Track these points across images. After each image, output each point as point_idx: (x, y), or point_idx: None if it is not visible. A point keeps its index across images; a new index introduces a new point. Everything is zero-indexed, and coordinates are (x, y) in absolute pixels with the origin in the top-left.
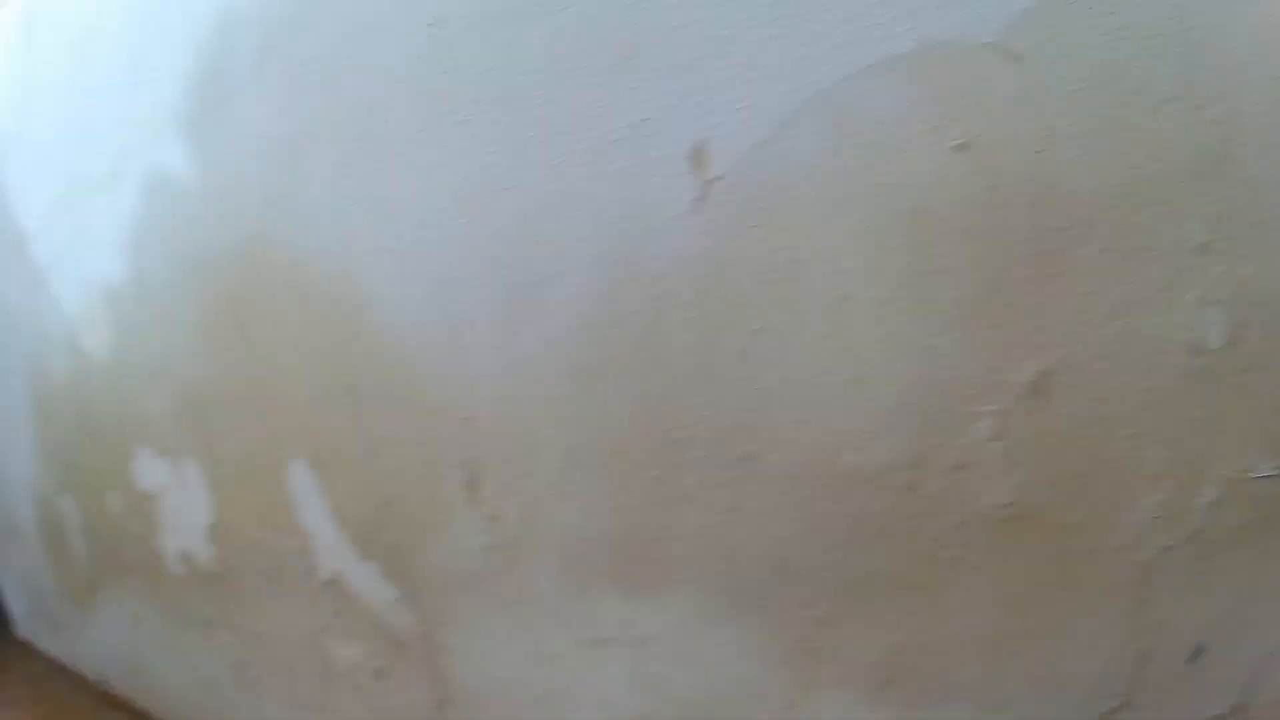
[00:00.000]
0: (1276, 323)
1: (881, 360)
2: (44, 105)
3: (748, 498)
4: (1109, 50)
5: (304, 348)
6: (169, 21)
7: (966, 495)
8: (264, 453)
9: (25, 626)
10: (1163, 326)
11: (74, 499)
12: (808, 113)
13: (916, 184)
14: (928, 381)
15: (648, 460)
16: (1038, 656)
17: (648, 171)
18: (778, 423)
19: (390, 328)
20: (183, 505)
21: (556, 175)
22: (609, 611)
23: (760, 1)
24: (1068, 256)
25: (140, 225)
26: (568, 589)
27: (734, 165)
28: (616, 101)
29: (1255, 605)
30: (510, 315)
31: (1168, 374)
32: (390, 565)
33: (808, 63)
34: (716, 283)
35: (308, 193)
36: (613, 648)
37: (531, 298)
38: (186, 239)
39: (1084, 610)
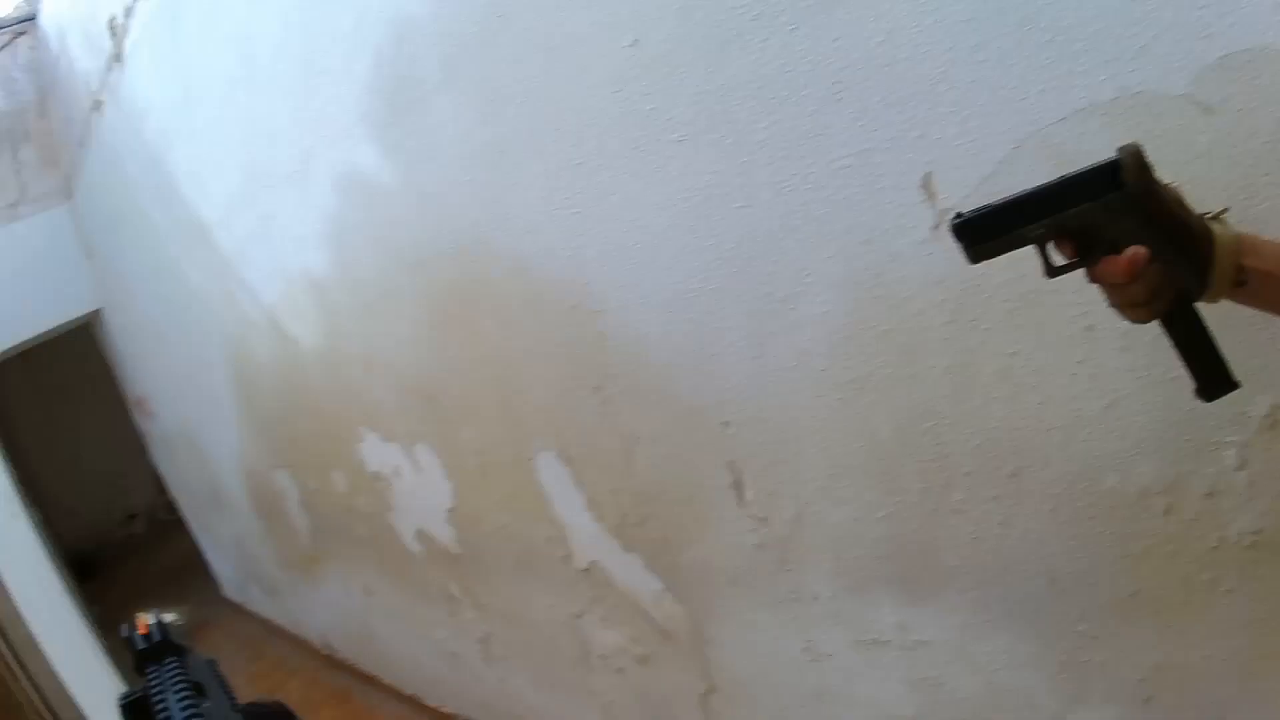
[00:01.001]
0: None
1: (1132, 388)
2: (209, 104)
3: (1017, 513)
4: None
5: (544, 348)
6: (339, 27)
7: (1218, 521)
8: (509, 445)
9: (234, 590)
10: None
11: (291, 475)
12: (1027, 150)
13: None
14: (1176, 410)
15: (916, 473)
16: None
17: (879, 199)
18: (1041, 442)
19: (634, 334)
20: (419, 488)
21: (788, 197)
22: (885, 615)
23: (961, 44)
24: None
25: (338, 220)
26: (843, 591)
27: (964, 197)
28: (836, 132)
29: None
30: (760, 327)
31: None
32: (654, 559)
33: (1020, 104)
34: (966, 307)
35: (523, 199)
36: (889, 650)
37: (779, 311)
38: (394, 237)
39: None
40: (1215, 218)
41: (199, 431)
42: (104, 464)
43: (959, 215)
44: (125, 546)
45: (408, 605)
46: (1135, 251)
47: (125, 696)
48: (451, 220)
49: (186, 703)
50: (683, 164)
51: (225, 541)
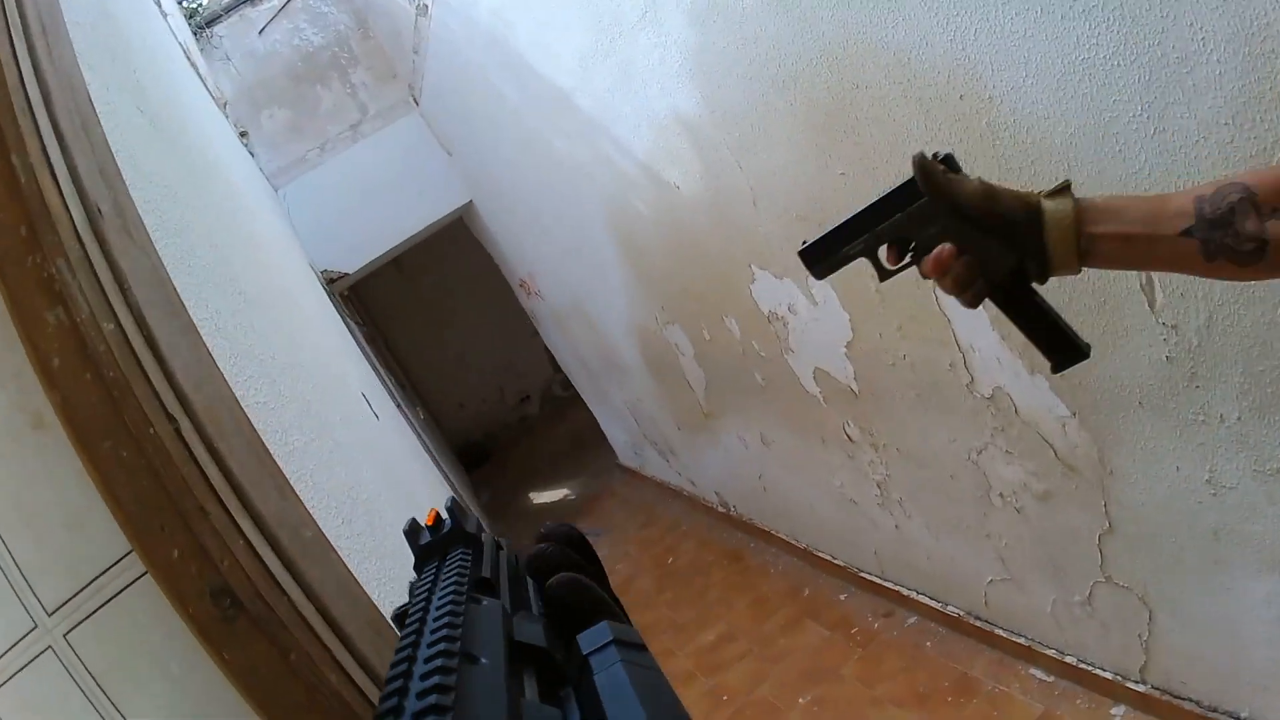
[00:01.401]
0: None
1: None
2: None
3: None
4: None
5: (932, 146)
6: None
7: None
8: None
9: (629, 456)
10: None
11: (683, 328)
12: None
13: None
14: None
15: None
16: None
17: None
18: None
19: (1028, 118)
20: (815, 324)
21: None
22: None
23: None
24: None
25: (698, 52)
26: (1249, 411)
27: None
28: None
29: None
30: (1158, 96)
31: None
32: (1060, 380)
33: None
34: None
35: None
36: None
37: (1176, 75)
38: (759, 57)
39: None
40: (1055, 193)
41: (587, 301)
42: (492, 352)
43: (804, 243)
44: (519, 428)
45: (805, 452)
46: (939, 250)
47: (399, 609)
48: (817, 25)
49: (447, 606)
50: None
51: (619, 408)
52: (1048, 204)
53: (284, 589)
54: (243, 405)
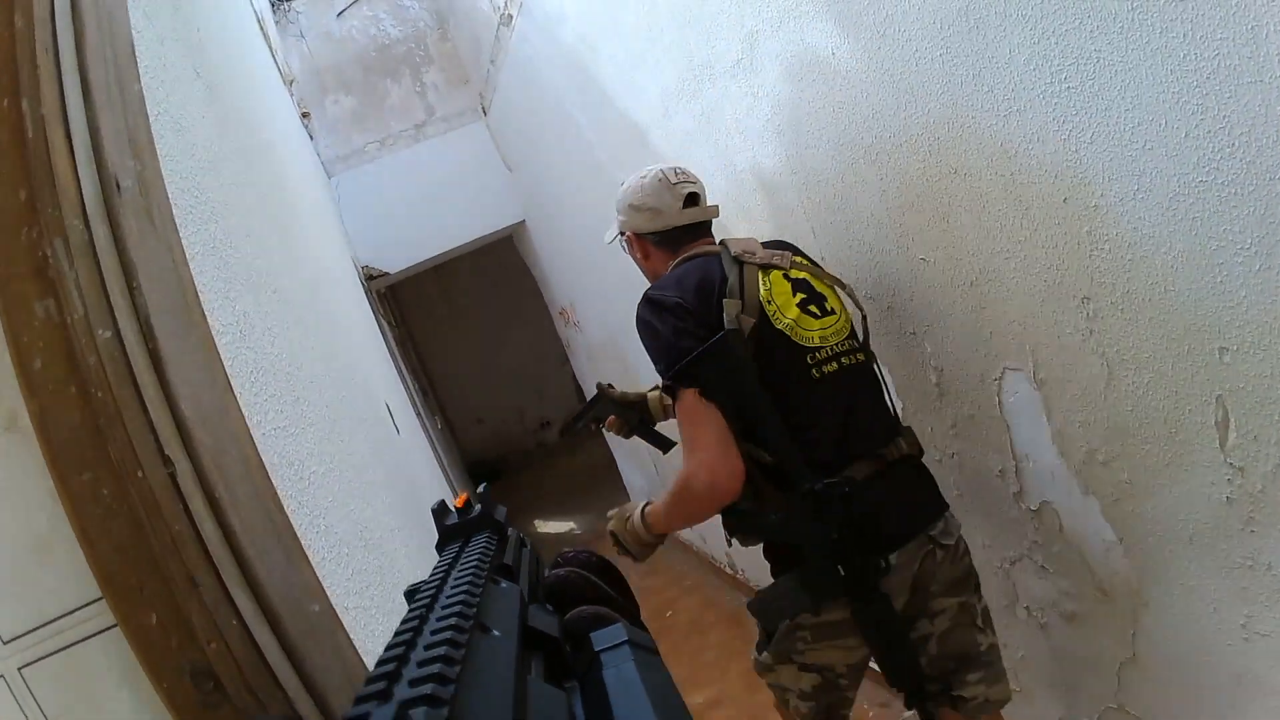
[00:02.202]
0: None
1: None
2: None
3: None
4: None
5: (1026, 248)
6: None
7: None
8: (972, 362)
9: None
10: None
11: None
12: None
13: None
14: None
15: None
16: None
17: None
18: None
19: (1129, 235)
20: None
21: None
22: None
23: None
24: None
25: (790, 109)
26: None
27: None
28: None
29: None
30: (1272, 232)
31: None
32: (1113, 505)
33: None
34: None
35: (1005, 75)
36: None
37: None
38: (853, 124)
39: None
40: (653, 389)
41: (624, 340)
42: (519, 372)
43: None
44: (535, 453)
45: None
46: (610, 421)
47: (411, 586)
48: (923, 101)
49: (469, 576)
50: (1187, 28)
51: (640, 453)
52: (647, 390)
53: (280, 680)
54: (256, 440)
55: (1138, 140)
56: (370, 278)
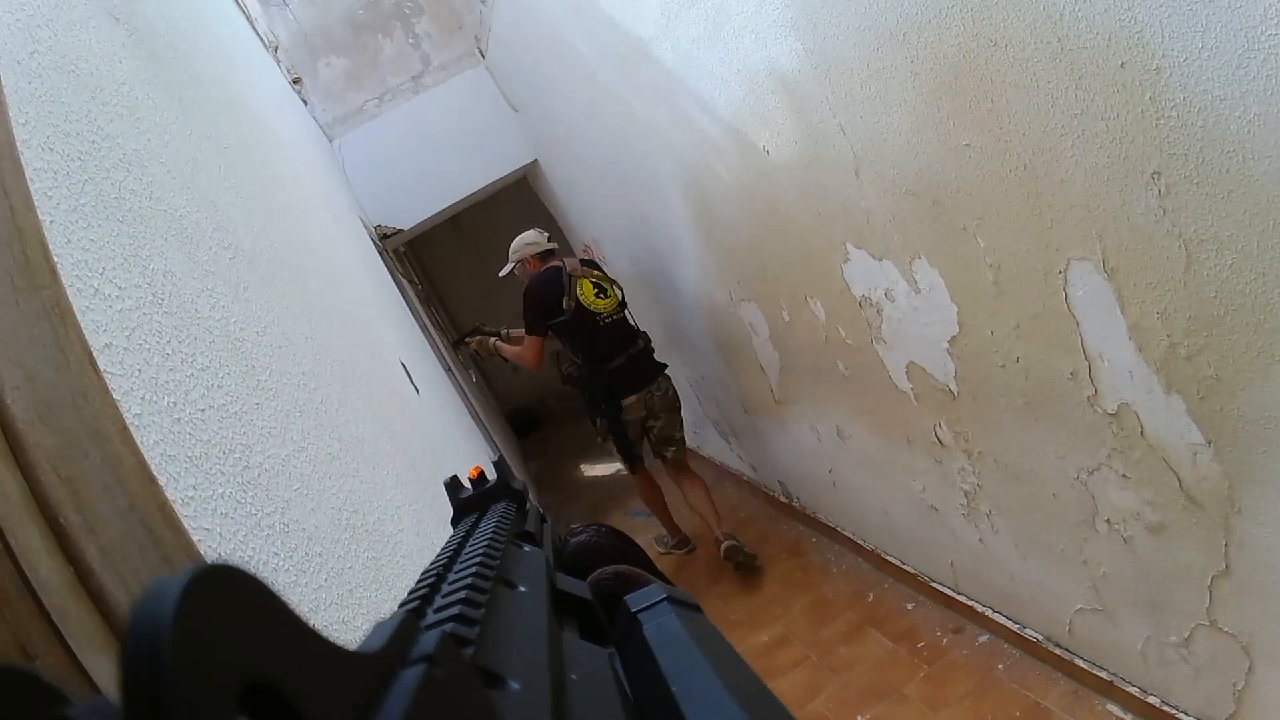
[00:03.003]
0: None
1: None
2: None
3: None
4: None
5: (1083, 124)
6: None
7: None
8: (1032, 254)
9: (689, 435)
10: None
11: (759, 307)
12: None
13: None
14: None
15: None
16: None
17: None
18: None
19: (1201, 97)
20: (915, 314)
21: None
22: None
23: None
24: None
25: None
26: None
27: None
28: None
29: None
30: None
31: None
32: (1199, 403)
33: None
34: None
35: None
36: None
37: None
38: (875, 4)
39: None
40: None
41: (653, 271)
42: None
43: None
44: (573, 397)
45: (885, 451)
46: (477, 340)
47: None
48: None
49: (487, 537)
50: None
51: (681, 383)
52: (503, 331)
53: None
54: (145, 430)
55: None
56: (385, 237)
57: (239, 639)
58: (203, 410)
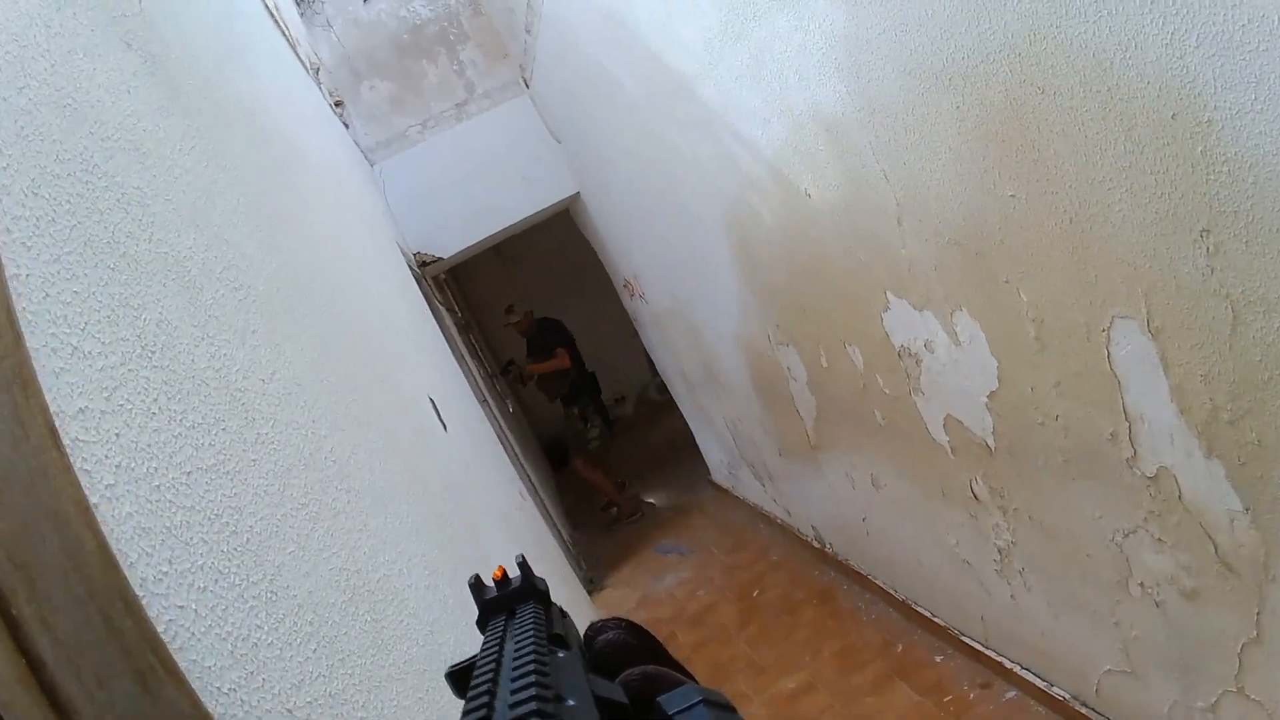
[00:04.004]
0: None
1: None
2: None
3: None
4: None
5: (1132, 175)
6: None
7: None
8: (1076, 310)
9: (722, 475)
10: None
11: (797, 351)
12: None
13: None
14: None
15: None
16: None
17: None
18: None
19: (1254, 153)
20: (954, 366)
21: None
22: None
23: None
24: None
25: (848, 39)
26: None
27: None
28: None
29: None
30: None
31: None
32: (1240, 468)
33: None
34: None
35: None
36: None
37: None
38: (922, 47)
39: None
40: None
41: (692, 309)
42: (589, 350)
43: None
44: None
45: (920, 503)
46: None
47: (454, 666)
48: (999, 14)
49: (530, 653)
50: None
51: (717, 424)
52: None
53: None
54: (112, 509)
55: (1250, 41)
56: (424, 264)
57: None
58: (188, 473)
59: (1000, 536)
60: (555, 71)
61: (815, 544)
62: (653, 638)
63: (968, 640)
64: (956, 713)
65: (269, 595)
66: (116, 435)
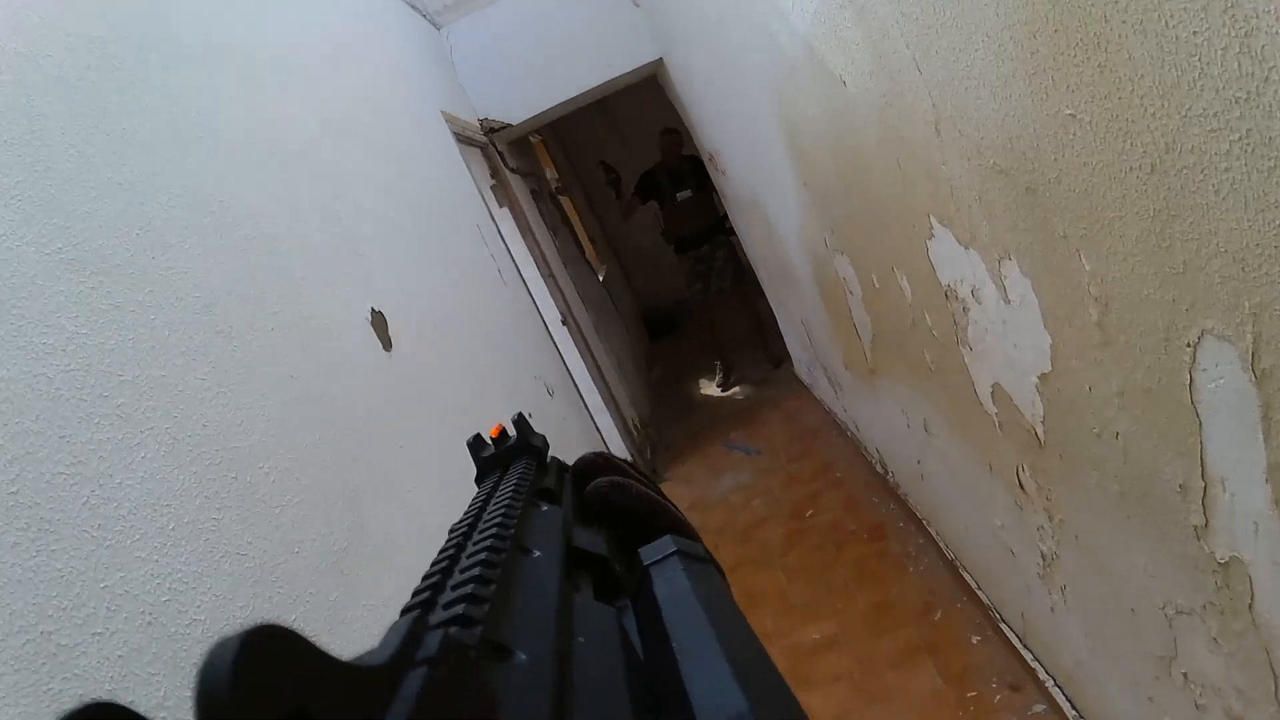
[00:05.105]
0: None
1: None
2: None
3: None
4: None
5: (1249, 114)
6: None
7: None
8: (1152, 304)
9: (804, 370)
10: None
11: (851, 263)
12: None
13: None
14: None
15: None
16: None
17: None
18: None
19: None
20: (1002, 328)
21: None
22: None
23: None
24: None
25: None
26: None
27: None
28: None
29: None
30: None
31: None
32: None
33: None
34: None
35: None
36: None
37: None
38: None
39: None
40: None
41: (762, 199)
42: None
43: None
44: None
45: (969, 466)
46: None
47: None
48: None
49: (505, 500)
50: None
51: (794, 320)
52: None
53: None
54: None
55: None
56: (492, 130)
57: (279, 676)
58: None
59: (1045, 542)
60: None
61: (879, 468)
62: (634, 465)
63: (1006, 630)
64: (976, 714)
65: None
66: None
